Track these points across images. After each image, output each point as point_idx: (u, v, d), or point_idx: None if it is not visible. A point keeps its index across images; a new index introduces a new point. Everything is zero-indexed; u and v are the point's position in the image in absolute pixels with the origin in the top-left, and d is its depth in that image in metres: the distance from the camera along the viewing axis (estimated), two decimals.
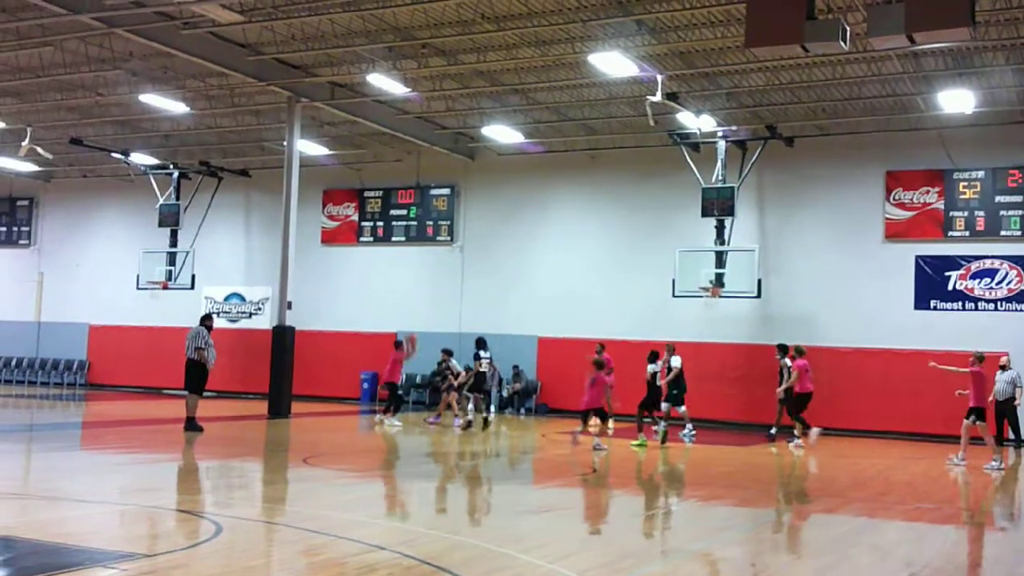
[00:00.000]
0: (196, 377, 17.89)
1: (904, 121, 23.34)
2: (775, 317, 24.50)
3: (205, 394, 18.39)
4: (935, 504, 12.71)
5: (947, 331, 22.70)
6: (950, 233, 23.22)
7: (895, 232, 23.73)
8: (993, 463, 16.78)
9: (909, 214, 23.64)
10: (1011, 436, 21.20)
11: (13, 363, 34.04)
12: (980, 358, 17.07)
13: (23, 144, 25.93)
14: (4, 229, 35.57)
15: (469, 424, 20.69)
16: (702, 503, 12.28)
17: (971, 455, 17.14)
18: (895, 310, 23.48)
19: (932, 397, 21.50)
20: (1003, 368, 21.13)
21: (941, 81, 20.63)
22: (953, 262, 23.14)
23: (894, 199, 23.79)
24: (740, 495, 13.13)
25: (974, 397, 16.86)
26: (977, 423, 16.87)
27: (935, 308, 23.20)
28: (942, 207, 23.31)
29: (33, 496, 10.57)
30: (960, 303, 23.03)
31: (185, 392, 18.04)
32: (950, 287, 23.13)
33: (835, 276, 24.10)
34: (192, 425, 17.55)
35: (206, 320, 18.48)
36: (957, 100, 20.73)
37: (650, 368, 19.34)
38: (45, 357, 33.77)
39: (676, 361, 19.19)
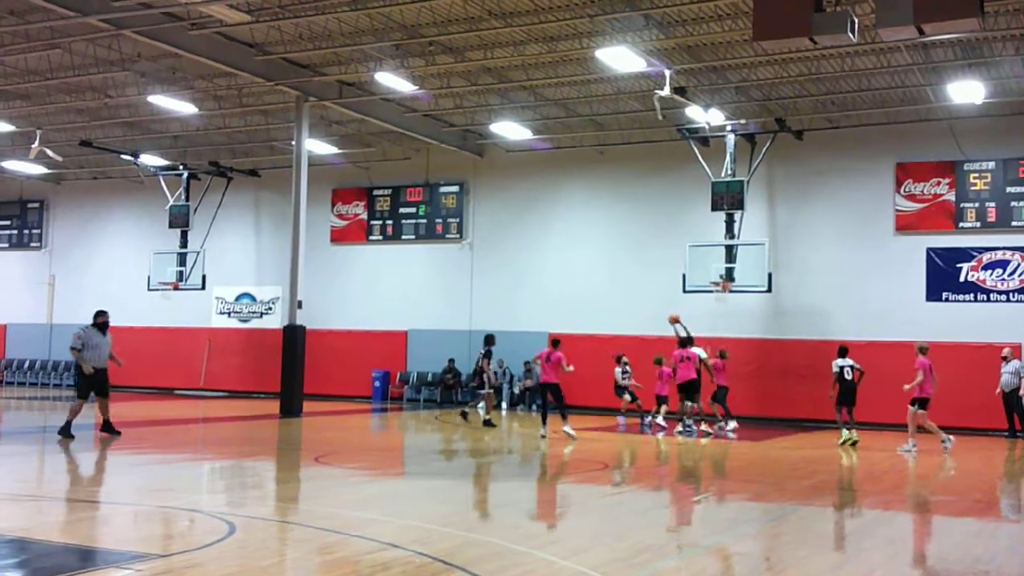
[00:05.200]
0: (79, 381, 16.50)
1: (914, 113, 23.26)
2: (786, 311, 24.46)
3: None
4: (950, 497, 12.65)
5: (959, 323, 22.62)
6: (961, 225, 23.13)
7: (906, 224, 23.63)
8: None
9: (920, 206, 23.54)
10: (1022, 428, 21.09)
11: (26, 365, 34.18)
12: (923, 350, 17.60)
13: (33, 146, 26.02)
14: (15, 232, 35.75)
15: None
16: (716, 497, 12.25)
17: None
18: (907, 303, 23.39)
19: (944, 389, 21.34)
20: (1005, 359, 21.05)
21: (951, 72, 20.55)
22: (964, 254, 23.05)
23: (904, 191, 23.69)
24: (754, 489, 13.09)
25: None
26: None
27: (947, 300, 23.10)
28: (953, 199, 23.21)
29: (47, 497, 10.60)
30: (972, 295, 22.92)
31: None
32: (962, 279, 23.02)
33: (846, 269, 24.03)
34: (67, 431, 16.04)
35: (98, 317, 16.54)
36: (967, 91, 20.63)
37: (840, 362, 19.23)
38: (57, 359, 33.87)
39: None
